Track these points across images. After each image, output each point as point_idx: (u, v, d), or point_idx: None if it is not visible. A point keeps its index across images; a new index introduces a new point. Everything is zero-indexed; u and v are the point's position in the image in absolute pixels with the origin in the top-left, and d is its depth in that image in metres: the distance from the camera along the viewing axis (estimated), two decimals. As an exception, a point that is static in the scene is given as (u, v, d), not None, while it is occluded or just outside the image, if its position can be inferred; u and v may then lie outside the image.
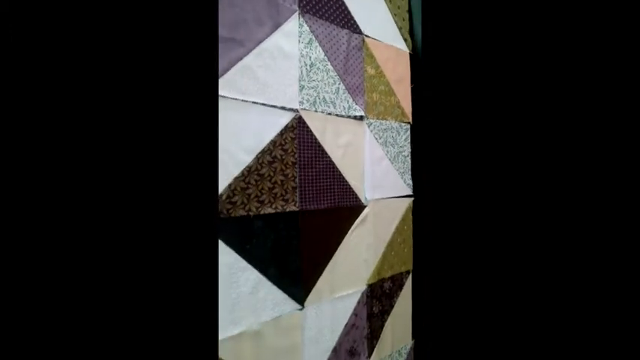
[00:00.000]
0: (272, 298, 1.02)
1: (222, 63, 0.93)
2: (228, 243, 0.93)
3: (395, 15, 1.49)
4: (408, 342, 1.53)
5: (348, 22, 1.28)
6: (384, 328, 1.40)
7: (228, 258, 0.93)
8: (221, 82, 0.92)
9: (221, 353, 0.90)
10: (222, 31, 0.93)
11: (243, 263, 0.96)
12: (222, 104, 0.92)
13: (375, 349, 1.36)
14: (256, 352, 0.98)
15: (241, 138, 0.96)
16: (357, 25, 1.32)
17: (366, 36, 1.35)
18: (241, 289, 0.96)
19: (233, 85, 0.95)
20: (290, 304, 1.07)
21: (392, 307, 1.44)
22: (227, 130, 0.93)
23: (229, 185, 0.94)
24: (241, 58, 0.97)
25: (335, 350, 1.20)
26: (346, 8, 1.28)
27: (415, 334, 1.55)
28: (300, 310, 1.09)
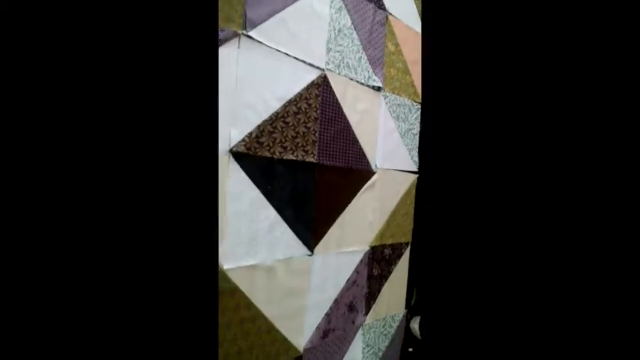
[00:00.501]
0: (286, 239, 1.09)
1: (261, 13, 1.00)
2: (252, 179, 0.99)
3: (416, 0, 1.58)
4: (401, 311, 1.61)
5: (375, -3, 1.36)
6: (382, 291, 1.47)
7: (251, 193, 0.99)
8: (258, 30, 0.99)
9: (236, 280, 0.97)
10: (265, -17, 1.00)
11: (264, 201, 1.03)
12: (258, 51, 0.99)
13: (372, 310, 1.43)
14: (268, 286, 1.04)
15: (273, 85, 1.03)
16: (383, 2, 1.40)
17: (390, 14, 1.43)
18: (260, 224, 1.02)
19: (269, 34, 1.01)
20: (301, 248, 1.13)
21: (390, 273, 1.51)
22: (261, 75, 1.00)
23: (258, 126, 1.00)
24: (279, 11, 1.04)
25: (336, 301, 1.27)
26: (374, -16, 1.36)
27: (407, 305, 1.63)
28: (310, 256, 1.16)
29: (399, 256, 1.56)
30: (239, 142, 0.95)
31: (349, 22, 1.26)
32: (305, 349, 1.16)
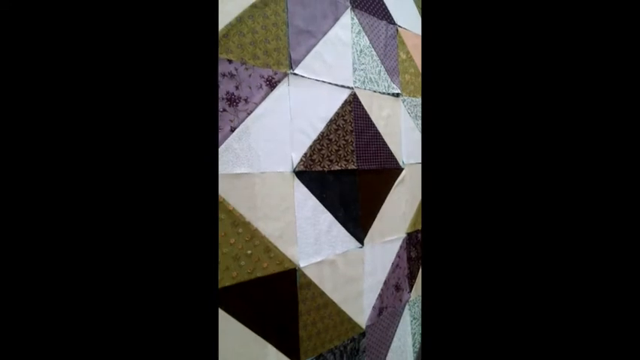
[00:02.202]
0: (342, 236, 1.30)
1: (300, 51, 1.18)
2: (311, 191, 1.19)
3: (419, 8, 1.75)
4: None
5: (385, 14, 1.53)
6: (419, 270, 1.68)
7: (311, 202, 1.20)
8: (301, 67, 1.18)
9: (309, 275, 1.18)
10: (301, 24, 1.18)
11: (321, 207, 1.23)
12: (303, 84, 1.18)
13: (414, 287, 1.64)
14: (333, 277, 1.25)
15: (317, 109, 1.22)
16: (392, 17, 1.57)
17: (399, 26, 1.60)
18: (321, 227, 1.23)
19: (309, 67, 1.20)
20: (354, 243, 1.34)
21: (425, 254, 1.72)
22: (307, 103, 1.19)
23: (310, 147, 1.20)
24: (314, 46, 1.22)
25: (385, 283, 1.48)
26: (383, 3, 1.53)
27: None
28: (361, 248, 1.37)
29: (430, 238, 1.77)
30: (298, 162, 1.15)
31: (367, 42, 1.44)
32: (367, 326, 1.38)
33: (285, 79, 1.12)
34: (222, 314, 0.95)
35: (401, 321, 1.56)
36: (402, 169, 1.59)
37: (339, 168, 1.29)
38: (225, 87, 0.97)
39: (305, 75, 1.18)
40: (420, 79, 1.73)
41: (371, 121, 1.44)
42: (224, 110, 0.97)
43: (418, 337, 1.66)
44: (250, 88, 1.03)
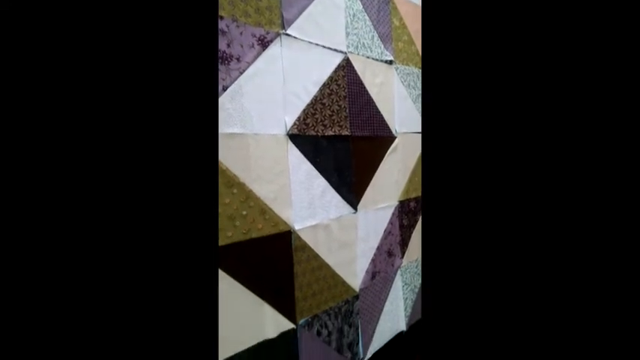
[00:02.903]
0: (335, 201, 1.31)
1: (292, 11, 1.15)
2: (305, 155, 1.19)
3: (412, -27, 1.71)
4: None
5: (378, -22, 1.50)
6: (411, 238, 1.72)
7: (304, 167, 1.20)
8: (294, 27, 1.15)
9: (304, 238, 1.19)
10: (293, -16, 1.15)
11: (315, 172, 1.23)
12: (296, 45, 1.16)
13: (405, 254, 1.68)
14: (327, 240, 1.27)
15: (310, 73, 1.21)
16: (385, -18, 1.54)
17: (392, -9, 1.57)
18: (315, 191, 1.23)
19: (301, 29, 1.17)
20: (347, 208, 1.36)
21: (416, 222, 1.75)
22: (300, 66, 1.17)
23: (304, 110, 1.19)
24: (306, 7, 1.19)
25: (378, 249, 1.51)
26: (376, -34, 1.50)
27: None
28: (354, 213, 1.38)
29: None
30: (292, 126, 1.14)
31: (360, 6, 1.41)
32: (360, 289, 1.41)
33: (278, 39, 1.10)
34: (219, 273, 0.96)
35: (393, 286, 1.61)
36: (395, 138, 1.59)
37: (333, 133, 1.29)
38: (216, 44, 0.95)
39: (298, 36, 1.16)
40: (413, 47, 1.72)
41: (364, 87, 1.43)
42: (216, 68, 0.95)
43: (410, 302, 1.71)
44: (242, 46, 1.01)
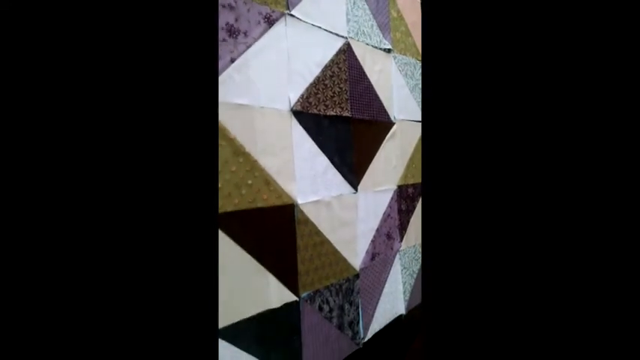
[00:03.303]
0: (337, 180, 1.34)
1: (296, -6, 1.21)
2: (308, 132, 1.23)
3: (409, -31, 1.79)
4: (426, 241, 1.89)
5: (377, -30, 1.57)
6: (410, 223, 1.75)
7: (307, 144, 1.23)
8: (298, 9, 1.20)
9: (307, 213, 1.22)
10: (297, -31, 1.20)
11: (317, 150, 1.27)
12: (299, 26, 1.20)
13: (404, 238, 1.71)
14: (329, 217, 1.30)
15: (313, 54, 1.25)
16: (383, -26, 1.61)
17: (390, -16, 1.64)
18: (317, 168, 1.26)
19: (305, 11, 1.22)
20: (348, 188, 1.39)
21: (414, 208, 1.79)
22: (303, 47, 1.22)
23: (307, 89, 1.23)
24: (310, -9, 1.25)
25: (378, 230, 1.54)
26: (375, -41, 1.56)
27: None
28: (355, 193, 1.42)
29: (420, 194, 1.83)
30: (295, 102, 1.18)
31: (360, -5, 1.47)
32: (360, 269, 1.44)
33: (283, 18, 1.15)
34: (224, 238, 0.98)
35: (392, 269, 1.63)
36: (394, 124, 1.64)
37: (335, 114, 1.33)
38: (225, 18, 0.99)
39: (301, 18, 1.21)
40: (410, 38, 1.78)
41: (364, 72, 1.48)
42: (224, 40, 0.99)
43: (408, 287, 1.74)
44: (249, 22, 1.05)
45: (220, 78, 0.97)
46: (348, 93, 1.39)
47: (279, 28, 1.13)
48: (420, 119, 1.82)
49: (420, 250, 1.83)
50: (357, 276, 1.42)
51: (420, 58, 1.83)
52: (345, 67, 1.38)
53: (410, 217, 1.75)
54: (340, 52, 1.36)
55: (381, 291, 1.56)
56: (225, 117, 0.98)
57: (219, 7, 0.98)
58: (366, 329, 1.46)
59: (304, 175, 1.21)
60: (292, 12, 1.17)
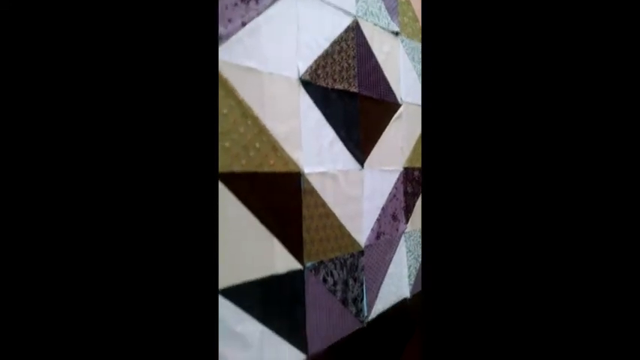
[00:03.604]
0: (343, 154, 1.34)
1: (306, -31, 1.23)
2: (315, 103, 1.24)
3: (418, -44, 1.81)
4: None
5: (386, -46, 1.59)
6: (415, 206, 1.74)
7: (314, 114, 1.24)
8: (306, -17, 1.22)
9: (313, 183, 1.22)
10: (308, -57, 1.23)
11: (324, 122, 1.27)
12: (308, 3, 1.22)
13: (410, 221, 1.70)
14: (335, 191, 1.30)
15: (322, 28, 1.27)
16: (392, -41, 1.63)
17: (399, -32, 1.66)
18: (323, 140, 1.27)
19: (314, -14, 1.25)
20: (354, 163, 1.39)
21: (420, 191, 1.78)
22: (312, 20, 1.24)
23: (315, 61, 1.24)
24: (319, -34, 1.27)
25: (383, 209, 1.53)
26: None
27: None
28: (361, 170, 1.42)
29: (426, 179, 1.83)
30: (304, 72, 1.19)
31: (369, -24, 1.50)
32: (365, 246, 1.43)
33: (293, -10, 1.17)
34: (230, 197, 0.98)
35: (397, 250, 1.62)
36: (400, 105, 1.65)
37: (342, 88, 1.34)
38: (237, -17, 1.01)
39: (311, -9, 1.23)
40: (417, 24, 1.80)
41: (372, 51, 1.49)
42: (236, 4, 1.01)
43: (413, 271, 1.72)
44: (260, -11, 1.07)
45: (230, 40, 0.99)
46: (355, 69, 1.40)
47: (289, 0, 1.16)
48: (426, 105, 1.83)
49: (426, 235, 1.82)
50: (361, 253, 1.41)
51: (427, 45, 1.85)
52: (354, 45, 1.40)
53: (415, 201, 1.74)
54: (349, 29, 1.38)
55: (386, 271, 1.55)
56: (233, 78, 1.00)
57: (232, -28, 1.00)
58: (370, 308, 1.44)
59: (311, 145, 1.22)
60: (302, -16, 1.20)
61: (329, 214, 1.28)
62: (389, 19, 1.59)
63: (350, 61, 1.38)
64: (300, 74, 1.18)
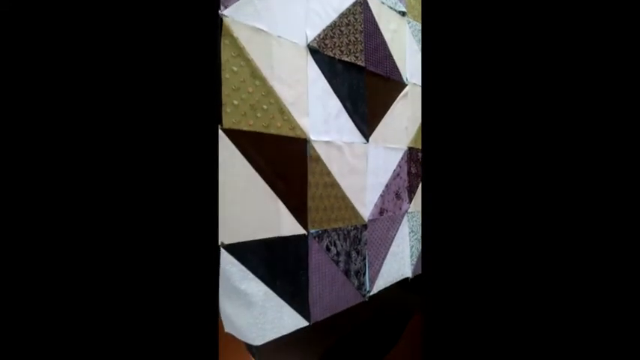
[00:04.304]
0: (348, 126, 1.35)
1: (317, -60, 1.24)
2: (322, 72, 1.25)
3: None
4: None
5: None
6: (418, 187, 1.74)
7: (321, 83, 1.25)
8: (316, -46, 1.24)
9: (318, 150, 1.22)
10: None
11: (331, 92, 1.28)
12: (317, -30, 1.24)
13: (413, 201, 1.70)
14: (339, 161, 1.30)
15: (330, 0, 1.28)
16: (401, -60, 1.65)
17: (407, -49, 1.68)
18: (330, 110, 1.28)
19: (324, -42, 1.26)
20: (359, 136, 1.40)
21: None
22: (321, -10, 1.25)
23: (323, 30, 1.25)
24: (330, -61, 1.28)
25: (387, 186, 1.54)
26: None
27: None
28: (365, 143, 1.42)
29: (429, 161, 1.83)
30: (312, 40, 1.20)
31: (378, -45, 1.51)
32: (369, 220, 1.43)
33: (303, -42, 1.18)
34: (237, 155, 0.99)
35: (400, 228, 1.62)
36: (406, 85, 1.65)
37: (349, 60, 1.34)
38: (249, -56, 1.02)
39: (321, -39, 1.24)
40: (424, 7, 1.81)
41: (379, 28, 1.50)
42: (247, -34, 1.02)
43: (415, 252, 1.72)
44: (271, -47, 1.08)
45: (241, 0, 1.00)
46: (363, 44, 1.41)
47: (299, -34, 1.17)
48: (431, 88, 1.83)
49: (428, 217, 1.82)
50: (364, 227, 1.41)
51: (433, 29, 1.86)
52: (361, 19, 1.41)
53: (419, 181, 1.74)
54: (357, 3, 1.39)
55: (388, 248, 1.54)
56: (245, 37, 1.00)
57: None
58: (372, 283, 1.44)
59: (317, 113, 1.22)
60: (312, -46, 1.21)
61: (334, 184, 1.28)
62: (396, -1, 1.61)
63: (357, 35, 1.39)
64: (309, 41, 1.19)
